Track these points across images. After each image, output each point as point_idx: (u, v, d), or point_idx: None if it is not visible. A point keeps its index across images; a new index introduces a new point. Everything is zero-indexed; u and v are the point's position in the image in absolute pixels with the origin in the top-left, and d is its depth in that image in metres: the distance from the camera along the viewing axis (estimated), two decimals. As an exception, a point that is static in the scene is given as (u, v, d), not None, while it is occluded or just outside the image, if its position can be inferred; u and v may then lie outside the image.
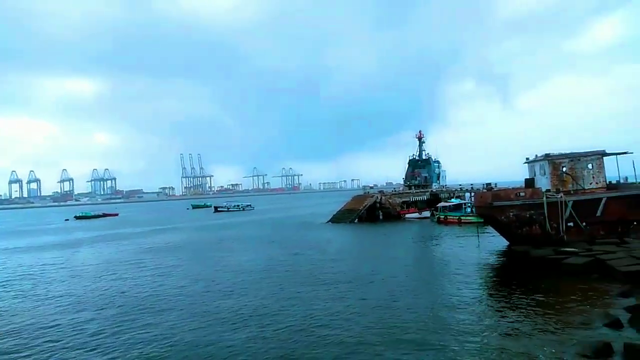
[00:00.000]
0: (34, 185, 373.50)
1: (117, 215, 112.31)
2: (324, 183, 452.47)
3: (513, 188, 27.75)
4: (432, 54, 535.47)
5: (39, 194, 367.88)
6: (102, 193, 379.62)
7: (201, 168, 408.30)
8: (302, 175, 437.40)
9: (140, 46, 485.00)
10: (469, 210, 46.85)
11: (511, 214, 25.75)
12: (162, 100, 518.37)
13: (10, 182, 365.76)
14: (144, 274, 25.84)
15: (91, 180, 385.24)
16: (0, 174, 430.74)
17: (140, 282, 23.25)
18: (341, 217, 57.10)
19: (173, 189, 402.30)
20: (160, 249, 38.43)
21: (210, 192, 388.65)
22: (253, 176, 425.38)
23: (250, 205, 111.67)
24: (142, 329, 14.79)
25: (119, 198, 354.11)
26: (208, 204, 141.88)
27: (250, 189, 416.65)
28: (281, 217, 75.66)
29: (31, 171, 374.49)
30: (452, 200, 54.95)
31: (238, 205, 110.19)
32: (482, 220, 33.54)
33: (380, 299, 17.34)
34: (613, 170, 27.23)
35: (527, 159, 29.60)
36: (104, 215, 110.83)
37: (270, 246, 36.47)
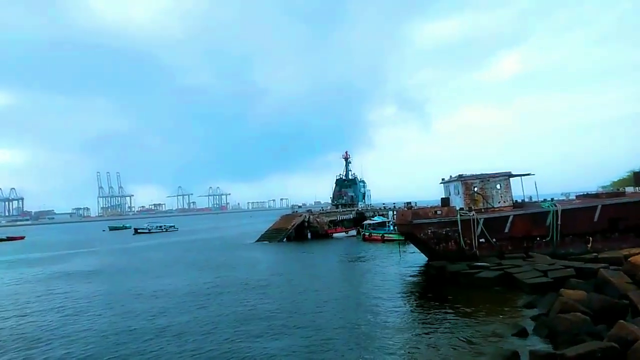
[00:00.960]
0: None
1: (23, 238, 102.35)
2: (253, 202, 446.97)
3: (431, 207, 29.20)
4: (356, 78, 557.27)
5: None
6: (6, 214, 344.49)
7: (120, 187, 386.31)
8: (230, 194, 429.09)
9: (53, 59, 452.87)
10: (391, 228, 48.54)
11: (429, 231, 27.05)
12: (77, 115, 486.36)
13: None
14: (50, 304, 23.61)
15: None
16: None
17: (46, 314, 21.20)
18: (269, 237, 56.58)
19: (88, 209, 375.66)
20: (70, 275, 35.36)
21: (131, 213, 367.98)
22: (177, 195, 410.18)
23: (174, 226, 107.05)
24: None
25: (27, 220, 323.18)
26: (127, 225, 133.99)
27: (174, 209, 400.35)
28: (207, 238, 73.22)
29: None
30: (375, 218, 56.64)
31: (161, 226, 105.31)
32: (403, 238, 34.86)
33: (305, 315, 17.31)
34: (518, 190, 29.75)
35: (443, 179, 31.47)
36: (8, 239, 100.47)
37: (193, 268, 34.99)
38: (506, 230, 26.63)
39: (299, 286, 24.47)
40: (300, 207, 74.91)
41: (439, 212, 27.35)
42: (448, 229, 26.74)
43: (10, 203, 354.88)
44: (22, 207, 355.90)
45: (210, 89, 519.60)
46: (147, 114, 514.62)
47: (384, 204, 74.71)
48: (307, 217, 60.01)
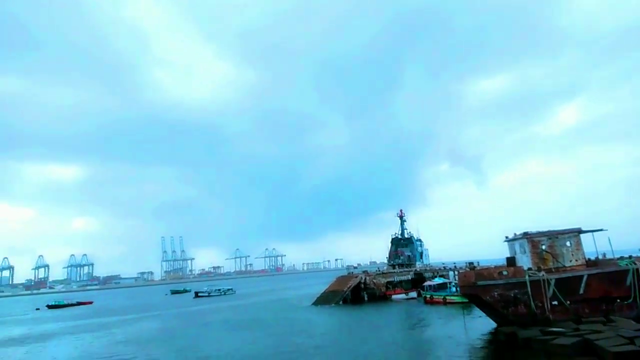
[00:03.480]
0: (6, 273, 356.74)
1: (91, 303, 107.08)
2: (308, 263, 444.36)
3: (495, 267, 27.82)
4: (406, 138, 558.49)
5: (10, 282, 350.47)
6: (78, 280, 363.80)
7: (182, 251, 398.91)
8: (285, 255, 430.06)
9: (122, 133, 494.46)
10: (453, 289, 46.37)
11: (496, 293, 25.56)
12: (143, 185, 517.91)
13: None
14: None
15: (68, 267, 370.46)
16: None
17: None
18: (325, 299, 55.58)
19: (152, 273, 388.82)
20: (135, 339, 36.32)
21: (191, 276, 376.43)
22: (235, 258, 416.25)
23: (231, 289, 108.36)
24: None
25: (96, 284, 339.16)
26: (188, 289, 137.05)
27: (232, 271, 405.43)
28: (264, 301, 73.08)
29: (5, 258, 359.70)
30: (436, 279, 54.42)
31: (219, 290, 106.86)
32: (467, 300, 33.13)
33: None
34: (590, 246, 27.71)
35: (507, 237, 30.02)
36: (78, 304, 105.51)
37: (254, 331, 34.86)
38: (581, 292, 24.66)
39: (359, 353, 23.56)
40: (355, 267, 73.48)
41: (505, 273, 25.93)
42: (516, 290, 25.15)
43: (82, 268, 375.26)
44: (92, 272, 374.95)
45: (264, 154, 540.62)
46: (208, 180, 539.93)
47: (443, 263, 71.88)
48: (364, 278, 58.70)
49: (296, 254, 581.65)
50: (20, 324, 63.39)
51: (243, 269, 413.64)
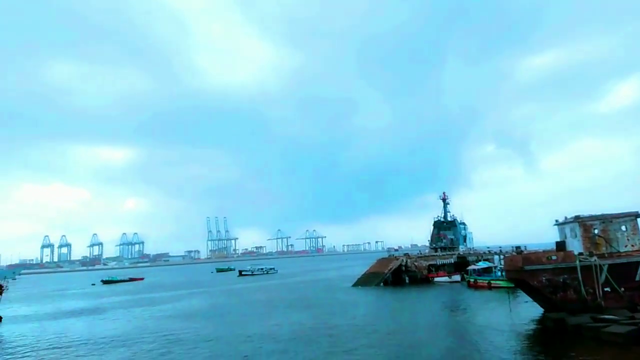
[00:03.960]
0: (64, 250, 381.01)
1: (142, 279, 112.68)
2: (348, 245, 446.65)
3: (544, 251, 26.91)
4: (450, 119, 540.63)
5: (68, 259, 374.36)
6: (129, 257, 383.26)
7: (226, 231, 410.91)
8: (325, 237, 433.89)
9: (168, 116, 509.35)
10: (498, 274, 45.39)
11: (544, 278, 24.78)
12: (190, 167, 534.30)
13: (43, 247, 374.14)
14: (166, 341, 25.50)
15: (120, 245, 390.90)
16: (34, 238, 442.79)
17: (162, 350, 22.93)
18: (366, 281, 55.88)
19: (198, 252, 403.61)
20: (184, 314, 38.06)
21: (235, 255, 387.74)
22: (277, 238, 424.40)
23: (273, 269, 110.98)
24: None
25: (146, 262, 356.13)
26: (232, 267, 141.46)
27: (274, 251, 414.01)
28: (305, 280, 74.48)
29: (63, 236, 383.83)
30: (480, 263, 53.35)
31: (262, 269, 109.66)
32: (512, 285, 32.34)
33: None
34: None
35: (557, 221, 28.88)
36: (130, 279, 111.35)
37: (294, 311, 35.67)
38: (637, 278, 23.47)
39: (400, 335, 23.64)
40: (396, 250, 73.31)
41: (554, 258, 25.04)
42: (566, 276, 24.27)
43: (133, 246, 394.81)
44: (143, 250, 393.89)
45: (306, 136, 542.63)
46: (251, 163, 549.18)
47: (488, 247, 70.21)
48: (405, 260, 58.43)
49: (336, 236, 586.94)
50: (79, 297, 67.80)
51: (284, 249, 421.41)
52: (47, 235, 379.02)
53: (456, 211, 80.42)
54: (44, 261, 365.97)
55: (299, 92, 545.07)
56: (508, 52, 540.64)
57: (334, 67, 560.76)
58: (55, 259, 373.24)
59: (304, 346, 21.94)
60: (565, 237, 27.83)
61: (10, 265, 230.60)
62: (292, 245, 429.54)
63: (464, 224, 79.07)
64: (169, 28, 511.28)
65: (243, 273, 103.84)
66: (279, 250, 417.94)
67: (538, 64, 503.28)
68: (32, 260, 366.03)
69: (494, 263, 51.03)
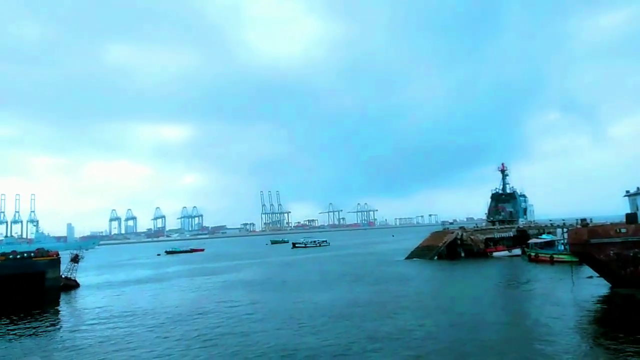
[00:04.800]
0: (130, 223, 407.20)
1: (203, 250, 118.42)
2: (400, 218, 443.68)
3: (612, 224, 25.43)
4: (510, 86, 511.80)
5: (135, 231, 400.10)
6: (190, 229, 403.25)
7: (279, 205, 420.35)
8: (377, 210, 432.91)
9: (222, 93, 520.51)
10: (561, 247, 43.53)
11: (611, 252, 23.52)
12: (243, 142, 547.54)
13: (111, 220, 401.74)
14: (227, 308, 26.84)
15: (181, 218, 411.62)
16: (102, 212, 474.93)
17: (222, 315, 24.20)
18: (419, 254, 55.49)
19: (254, 224, 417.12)
20: (243, 283, 39.86)
21: (288, 228, 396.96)
22: (329, 212, 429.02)
23: (326, 241, 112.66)
24: None
25: (205, 234, 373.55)
26: (286, 239, 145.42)
27: (326, 224, 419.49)
28: (358, 253, 75.19)
29: (129, 210, 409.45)
30: (543, 236, 51.30)
31: (315, 241, 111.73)
32: (576, 259, 30.95)
33: (464, 344, 16.47)
34: None
35: (627, 192, 27.14)
36: (192, 250, 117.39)
37: (348, 282, 36.27)
38: None
39: (456, 307, 23.46)
40: (451, 223, 71.99)
41: (623, 230, 23.63)
42: (637, 250, 22.88)
43: (193, 219, 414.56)
44: (202, 222, 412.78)
45: (356, 109, 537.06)
46: (302, 137, 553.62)
47: (550, 220, 67.19)
48: (460, 234, 57.25)
49: (388, 209, 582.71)
50: (147, 266, 72.55)
51: (336, 222, 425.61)
52: (114, 209, 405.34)
53: (516, 183, 76.96)
54: (112, 233, 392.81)
55: (348, 63, 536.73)
56: (575, 10, 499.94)
57: (384, 37, 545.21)
58: (123, 231, 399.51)
59: (356, 318, 22.33)
60: (637, 209, 26.12)
61: (82, 237, 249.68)
62: (343, 218, 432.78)
63: (524, 196, 75.72)
64: (221, 3, 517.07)
65: (297, 245, 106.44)
66: (330, 223, 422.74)
67: (608, 23, 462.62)
68: (102, 232, 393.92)
69: (556, 236, 48.95)
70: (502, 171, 76.08)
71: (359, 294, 29.83)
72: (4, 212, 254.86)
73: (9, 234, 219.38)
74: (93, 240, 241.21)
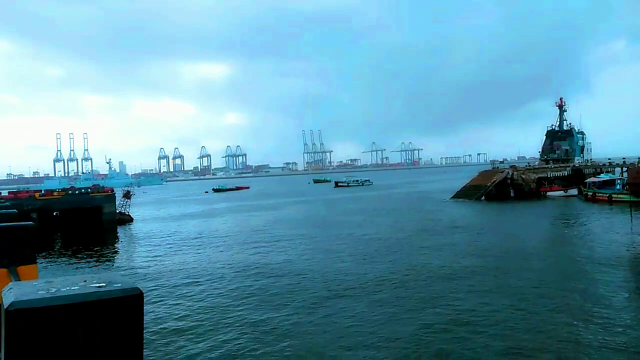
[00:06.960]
0: (178, 161, 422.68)
1: (248, 188, 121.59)
2: (446, 158, 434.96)
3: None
4: (570, 12, 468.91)
5: (182, 169, 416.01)
6: (234, 168, 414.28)
7: (321, 144, 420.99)
8: (422, 149, 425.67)
9: (264, 31, 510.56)
10: (621, 187, 41.15)
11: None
12: (284, 80, 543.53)
13: (159, 158, 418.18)
14: (278, 242, 27.49)
15: (225, 156, 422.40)
16: (152, 151, 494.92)
17: (271, 250, 24.80)
18: (466, 194, 54.07)
19: (296, 164, 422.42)
20: (288, 220, 40.75)
21: (330, 167, 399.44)
22: (372, 151, 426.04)
23: (369, 181, 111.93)
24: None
25: (249, 172, 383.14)
26: (328, 178, 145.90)
27: (368, 164, 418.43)
28: (401, 192, 74.69)
29: (176, 148, 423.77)
30: (602, 175, 48.58)
31: (357, 180, 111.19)
32: (636, 199, 29.03)
33: (518, 291, 15.92)
34: None
35: None
36: (237, 188, 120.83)
37: (392, 220, 36.09)
38: None
39: (509, 252, 22.80)
40: (501, 162, 69.17)
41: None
42: None
43: (237, 158, 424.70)
44: (246, 161, 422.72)
45: (401, 45, 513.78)
46: (345, 75, 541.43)
47: (609, 159, 63.30)
48: (511, 173, 55.15)
49: (434, 148, 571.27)
50: (197, 202, 75.60)
51: (379, 162, 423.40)
52: (162, 148, 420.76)
53: (573, 119, 72.17)
54: (161, 171, 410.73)
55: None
56: None
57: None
58: (171, 169, 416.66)
59: (402, 256, 22.20)
60: None
61: (134, 174, 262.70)
62: (387, 158, 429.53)
63: (582, 133, 71.07)
64: None
65: (339, 184, 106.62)
66: (373, 163, 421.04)
67: None
68: (152, 170, 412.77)
69: (615, 176, 46.20)
70: (560, 106, 71.31)
71: (402, 232, 29.61)
72: (60, 151, 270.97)
73: (66, 172, 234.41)
74: (161, 177, 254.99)
